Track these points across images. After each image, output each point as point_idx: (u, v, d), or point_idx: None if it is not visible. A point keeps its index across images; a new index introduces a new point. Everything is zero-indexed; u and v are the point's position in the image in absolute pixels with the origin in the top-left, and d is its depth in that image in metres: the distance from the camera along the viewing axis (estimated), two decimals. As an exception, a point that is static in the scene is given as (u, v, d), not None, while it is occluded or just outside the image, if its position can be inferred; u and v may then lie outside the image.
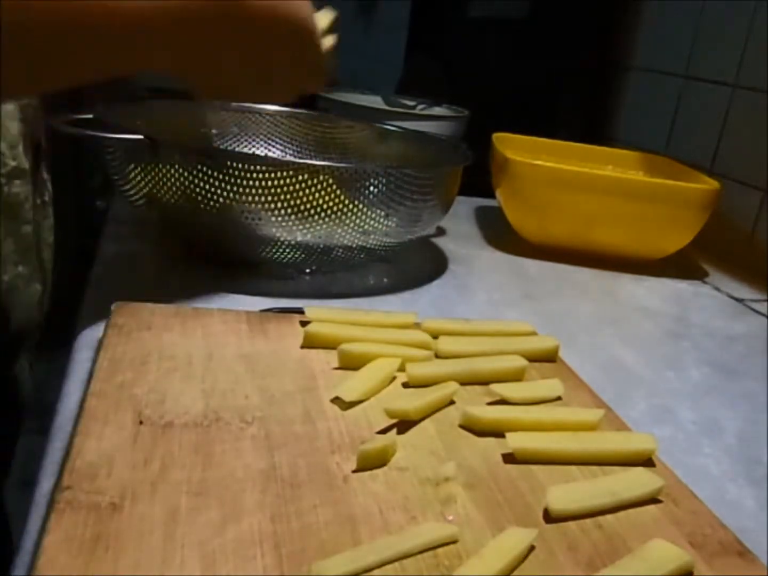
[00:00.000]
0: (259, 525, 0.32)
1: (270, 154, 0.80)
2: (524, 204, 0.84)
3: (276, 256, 0.61)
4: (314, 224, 0.59)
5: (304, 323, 0.51)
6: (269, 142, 0.81)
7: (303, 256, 0.62)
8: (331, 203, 0.58)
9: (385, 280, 0.70)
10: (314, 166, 0.59)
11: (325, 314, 0.52)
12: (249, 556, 0.30)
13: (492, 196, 0.90)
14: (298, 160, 0.64)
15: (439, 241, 0.84)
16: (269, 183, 0.57)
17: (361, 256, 0.65)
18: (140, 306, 0.50)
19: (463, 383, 0.46)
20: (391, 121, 0.84)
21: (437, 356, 0.50)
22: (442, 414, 0.43)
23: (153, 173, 0.59)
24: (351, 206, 0.59)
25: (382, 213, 0.61)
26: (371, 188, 0.60)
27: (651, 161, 0.97)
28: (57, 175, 0.67)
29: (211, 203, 0.58)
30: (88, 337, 0.51)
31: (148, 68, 0.44)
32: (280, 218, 0.58)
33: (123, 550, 0.29)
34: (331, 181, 0.58)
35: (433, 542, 0.32)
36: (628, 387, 0.57)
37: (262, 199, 0.57)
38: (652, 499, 0.38)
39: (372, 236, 0.62)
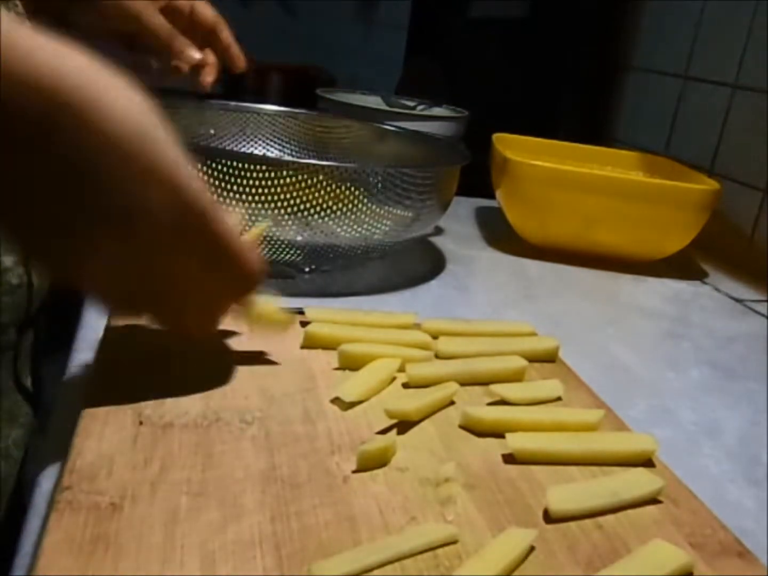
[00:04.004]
0: (258, 525, 0.32)
1: (269, 154, 0.80)
2: (524, 204, 0.84)
3: (275, 255, 0.61)
4: (313, 224, 0.59)
5: (304, 323, 0.51)
6: (269, 142, 0.81)
7: (302, 255, 0.62)
8: (330, 203, 0.58)
9: (384, 279, 0.70)
10: (313, 165, 0.59)
11: (325, 314, 0.52)
12: (249, 556, 0.30)
13: (492, 196, 0.90)
14: (297, 160, 0.64)
15: (440, 242, 0.84)
16: (269, 183, 0.57)
17: (361, 255, 0.65)
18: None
19: (463, 384, 0.46)
20: (390, 121, 0.84)
21: (437, 357, 0.50)
22: (442, 414, 0.43)
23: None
24: (350, 206, 0.59)
25: (381, 212, 0.61)
26: (370, 188, 0.60)
27: (651, 161, 0.97)
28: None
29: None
30: (88, 337, 0.51)
31: None
32: (279, 218, 0.58)
33: (123, 550, 0.29)
34: (330, 180, 0.58)
35: (433, 543, 0.32)
36: (628, 387, 0.57)
37: (262, 198, 0.57)
38: (652, 500, 0.38)
39: (371, 235, 0.62)
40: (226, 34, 0.76)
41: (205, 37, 0.75)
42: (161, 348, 0.45)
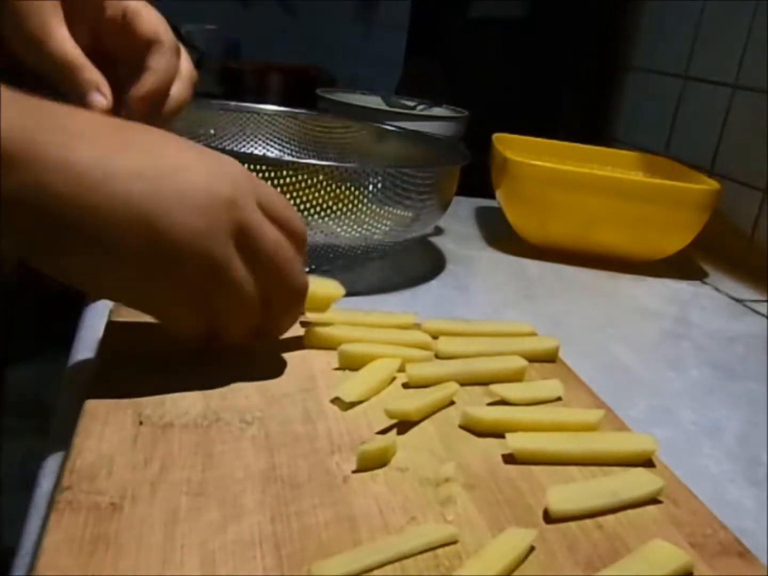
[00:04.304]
0: (258, 525, 0.32)
1: (269, 154, 0.80)
2: (524, 204, 0.84)
3: (276, 256, 0.61)
4: (313, 224, 0.59)
5: (304, 323, 0.51)
6: (268, 142, 0.81)
7: (303, 256, 0.62)
8: (330, 203, 0.58)
9: (384, 279, 0.70)
10: (313, 165, 0.59)
11: (325, 315, 0.52)
12: (249, 556, 0.30)
13: (492, 196, 0.90)
14: (297, 160, 0.64)
15: (440, 242, 0.84)
16: (268, 183, 0.57)
17: (361, 255, 0.65)
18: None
19: (463, 384, 0.46)
20: (390, 121, 0.84)
21: (437, 357, 0.50)
22: (442, 414, 0.43)
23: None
24: (350, 206, 0.59)
25: (381, 212, 0.61)
26: (370, 187, 0.60)
27: (651, 161, 0.97)
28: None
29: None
30: (88, 337, 0.51)
31: None
32: (279, 218, 0.58)
33: (123, 550, 0.29)
34: (330, 180, 0.58)
35: (433, 543, 0.32)
36: (628, 387, 0.57)
37: (262, 199, 0.57)
38: (652, 500, 0.38)
39: (371, 235, 0.62)
40: (161, 63, 0.48)
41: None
42: (161, 347, 0.45)
